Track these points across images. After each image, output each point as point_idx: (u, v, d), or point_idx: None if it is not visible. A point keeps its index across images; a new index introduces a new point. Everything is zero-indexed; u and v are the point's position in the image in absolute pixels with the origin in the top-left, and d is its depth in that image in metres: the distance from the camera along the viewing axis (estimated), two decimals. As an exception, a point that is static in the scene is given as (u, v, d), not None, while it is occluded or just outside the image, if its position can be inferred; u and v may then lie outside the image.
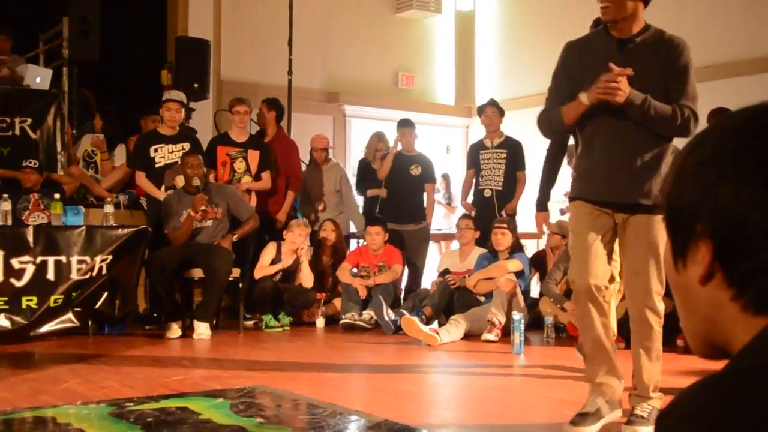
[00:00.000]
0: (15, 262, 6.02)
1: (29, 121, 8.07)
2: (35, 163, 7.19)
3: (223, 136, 7.85)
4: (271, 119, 8.05)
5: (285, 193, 7.90)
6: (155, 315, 6.95)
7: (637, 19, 3.49)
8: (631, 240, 3.53)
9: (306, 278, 7.21)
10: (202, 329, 6.44)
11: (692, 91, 3.45)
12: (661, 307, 3.53)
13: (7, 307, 5.97)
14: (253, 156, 7.58)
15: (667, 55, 3.47)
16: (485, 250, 7.15)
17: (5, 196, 6.27)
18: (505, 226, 6.92)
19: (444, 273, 7.23)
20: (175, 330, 6.46)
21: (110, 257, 6.36)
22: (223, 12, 10.95)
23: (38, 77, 8.32)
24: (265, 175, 7.60)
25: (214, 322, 6.79)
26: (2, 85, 8.16)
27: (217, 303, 6.76)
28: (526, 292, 6.94)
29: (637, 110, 3.36)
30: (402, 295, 7.77)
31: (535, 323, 6.73)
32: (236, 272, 6.80)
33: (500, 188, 7.90)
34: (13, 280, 6.01)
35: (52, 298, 6.14)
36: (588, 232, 3.53)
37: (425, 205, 8.37)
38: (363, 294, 7.24)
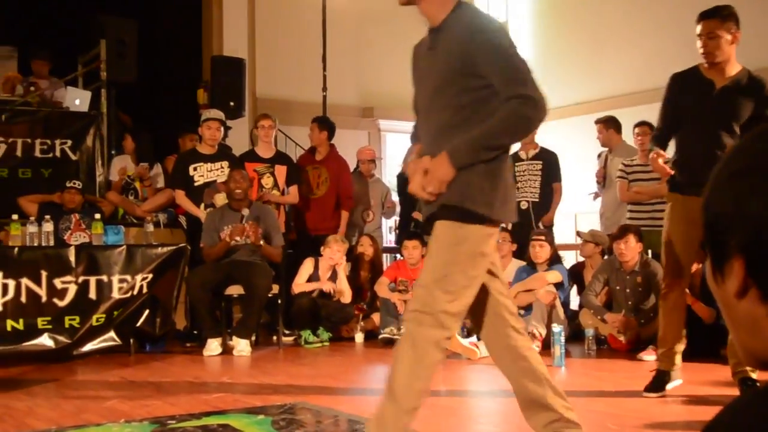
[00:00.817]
0: (58, 282, 6.11)
1: (69, 143, 8.22)
2: (79, 184, 7.29)
3: (250, 152, 7.91)
4: (323, 139, 8.02)
5: (336, 209, 7.91)
6: (195, 332, 7.01)
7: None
8: None
9: (344, 293, 7.22)
10: (242, 346, 6.48)
11: None
12: None
13: (50, 326, 6.05)
14: (281, 171, 7.63)
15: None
16: (523, 263, 7.12)
17: (47, 217, 6.36)
18: (543, 238, 6.89)
19: None
20: (214, 347, 6.50)
21: (150, 276, 6.43)
22: (257, 30, 11.06)
23: (78, 99, 8.47)
24: (293, 190, 7.65)
25: (254, 338, 6.83)
26: (43, 108, 8.31)
27: (257, 319, 6.79)
28: (565, 304, 6.89)
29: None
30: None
31: (575, 335, 6.68)
32: (275, 288, 6.84)
33: (537, 200, 7.87)
34: (56, 300, 6.09)
35: (95, 317, 6.21)
36: None
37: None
38: (401, 309, 7.24)
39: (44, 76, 8.75)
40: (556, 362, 5.66)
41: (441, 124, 2.93)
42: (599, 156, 8.22)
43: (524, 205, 7.91)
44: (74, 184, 7.26)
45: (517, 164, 8.03)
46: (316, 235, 7.54)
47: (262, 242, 6.70)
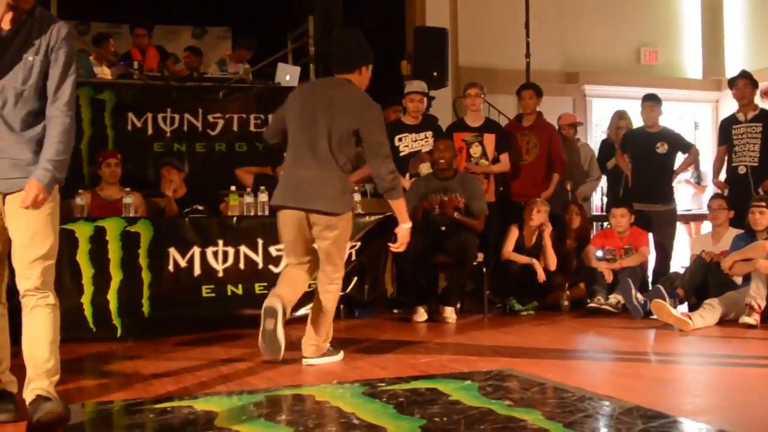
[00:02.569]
0: (273, 250, 6.40)
1: (281, 117, 8.54)
2: None
3: (458, 122, 7.92)
4: (535, 105, 7.92)
5: (547, 175, 7.82)
6: (402, 299, 7.15)
7: None
8: None
9: (550, 261, 7.13)
10: (448, 313, 6.55)
11: None
12: None
13: (267, 291, 6.32)
14: (489, 139, 7.59)
15: None
16: (741, 231, 6.74)
17: (262, 188, 6.66)
18: (763, 204, 6.48)
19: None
20: (421, 314, 6.60)
21: (359, 244, 6.61)
22: (459, 0, 11.04)
23: (288, 75, 8.78)
24: (504, 158, 7.59)
25: (459, 306, 6.88)
26: (256, 85, 8.69)
27: (463, 287, 6.83)
28: (787, 274, 6.46)
29: None
30: (650, 279, 7.50)
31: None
32: (480, 257, 6.84)
33: (756, 164, 7.44)
34: (271, 267, 6.39)
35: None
36: None
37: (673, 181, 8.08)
38: (609, 278, 7.07)
39: (243, 60, 9.22)
40: (778, 335, 5.35)
41: None
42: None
43: (742, 170, 7.50)
44: None
45: (734, 127, 7.62)
46: (526, 201, 7.44)
47: (456, 215, 6.72)
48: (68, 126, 3.30)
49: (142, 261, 5.98)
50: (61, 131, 3.27)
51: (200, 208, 6.71)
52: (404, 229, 4.79)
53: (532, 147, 7.80)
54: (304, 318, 6.28)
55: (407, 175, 7.28)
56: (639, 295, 6.54)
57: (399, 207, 4.81)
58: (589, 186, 8.60)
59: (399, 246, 4.85)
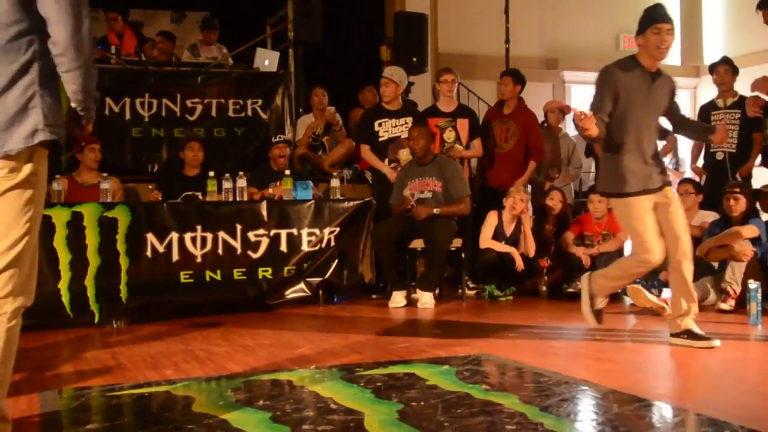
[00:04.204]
0: (251, 236, 6.40)
1: (260, 102, 8.53)
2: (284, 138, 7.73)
3: (432, 108, 7.92)
4: (515, 92, 7.88)
5: (524, 163, 7.82)
6: (381, 285, 7.16)
7: None
8: None
9: (529, 247, 7.16)
10: (425, 298, 6.57)
11: None
12: None
13: (245, 277, 6.36)
14: (463, 124, 7.60)
15: None
16: (711, 213, 6.81)
17: (240, 173, 6.64)
18: (738, 190, 6.52)
19: None
20: (399, 299, 6.62)
21: (338, 229, 6.62)
22: (439, -15, 11.02)
23: (267, 60, 8.75)
24: (476, 143, 7.62)
25: (437, 291, 6.90)
26: (235, 69, 8.66)
27: (440, 272, 6.85)
28: (763, 260, 6.52)
29: None
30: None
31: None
32: (458, 242, 6.86)
33: (734, 150, 7.49)
34: (250, 252, 6.39)
35: (286, 269, 6.47)
36: None
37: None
38: (587, 263, 7.10)
39: (213, 42, 9.17)
40: (752, 320, 5.39)
41: None
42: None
43: (720, 156, 7.56)
44: (281, 138, 7.67)
45: (713, 113, 7.66)
46: (503, 189, 7.45)
47: (435, 210, 6.72)
48: None
49: (120, 246, 5.96)
50: None
51: (199, 195, 6.70)
52: None
53: (511, 135, 7.81)
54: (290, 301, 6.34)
55: (386, 160, 7.29)
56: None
57: None
58: (565, 176, 8.63)
59: None
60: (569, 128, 11.22)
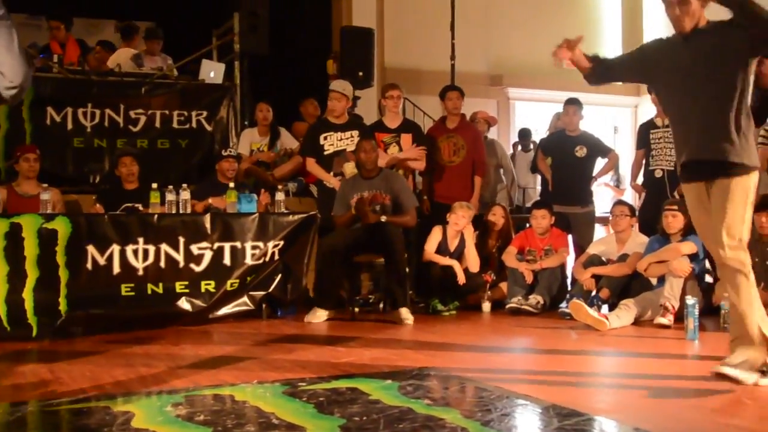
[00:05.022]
0: (194, 248, 6.34)
1: (205, 113, 8.49)
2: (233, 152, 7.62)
3: (377, 123, 7.95)
4: (461, 106, 8.02)
5: (471, 177, 7.91)
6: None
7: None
8: None
9: (472, 262, 7.21)
10: (404, 314, 6.40)
11: None
12: None
13: (187, 290, 6.29)
14: (406, 139, 7.67)
15: None
16: (645, 238, 6.93)
17: (184, 185, 6.58)
18: (676, 207, 6.65)
19: (593, 259, 7.04)
20: (320, 315, 6.51)
21: (282, 243, 6.59)
22: (386, 1, 11.09)
23: (212, 71, 8.71)
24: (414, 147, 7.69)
25: (382, 306, 6.91)
26: (180, 81, 8.59)
27: (403, 281, 6.56)
28: (700, 276, 6.66)
29: None
30: (569, 280, 7.65)
31: (710, 309, 6.45)
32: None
33: (672, 168, 7.62)
34: (192, 265, 6.33)
35: (229, 282, 6.42)
36: None
37: (591, 185, 8.24)
38: (529, 278, 7.17)
39: (156, 53, 9.08)
40: (690, 336, 5.50)
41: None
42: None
43: (659, 174, 7.69)
44: (230, 151, 7.58)
45: (652, 131, 7.81)
46: (450, 203, 7.49)
47: (383, 218, 6.69)
48: None
49: (60, 259, 5.85)
50: None
51: (140, 207, 6.61)
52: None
53: (459, 148, 7.88)
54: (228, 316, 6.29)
55: (331, 173, 7.30)
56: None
57: None
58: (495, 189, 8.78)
59: None
60: (509, 142, 11.41)
